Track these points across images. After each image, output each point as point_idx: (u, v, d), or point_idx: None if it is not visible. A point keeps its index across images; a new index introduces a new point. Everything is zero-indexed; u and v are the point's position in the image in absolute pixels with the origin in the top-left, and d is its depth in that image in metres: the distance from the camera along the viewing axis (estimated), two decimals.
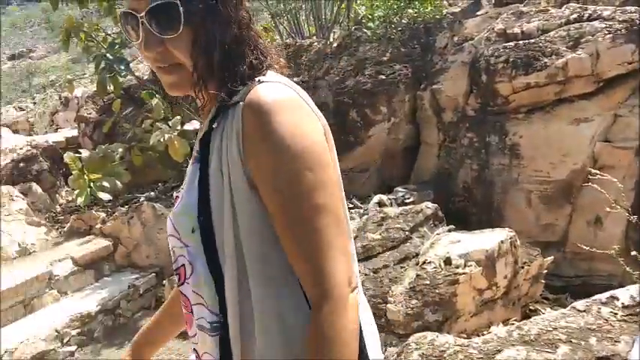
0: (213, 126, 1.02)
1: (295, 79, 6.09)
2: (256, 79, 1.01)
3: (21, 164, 6.62)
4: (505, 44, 4.59)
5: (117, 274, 4.49)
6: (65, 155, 4.97)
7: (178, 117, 4.85)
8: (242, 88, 0.99)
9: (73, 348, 3.83)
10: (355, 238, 3.82)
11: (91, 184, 4.90)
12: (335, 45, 6.06)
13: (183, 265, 1.05)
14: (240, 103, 0.97)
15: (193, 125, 4.90)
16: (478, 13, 5.42)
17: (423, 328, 3.13)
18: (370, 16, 5.70)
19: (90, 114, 7.67)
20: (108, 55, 5.32)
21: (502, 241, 3.42)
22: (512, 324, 3.10)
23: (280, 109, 0.95)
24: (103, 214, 4.99)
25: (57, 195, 6.57)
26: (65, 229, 5.16)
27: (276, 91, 0.98)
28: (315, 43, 6.34)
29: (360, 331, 0.99)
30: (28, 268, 4.25)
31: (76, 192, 4.76)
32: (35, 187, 6.27)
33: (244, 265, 0.98)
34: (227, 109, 0.99)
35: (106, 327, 4.05)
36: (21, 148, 7.51)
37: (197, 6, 0.98)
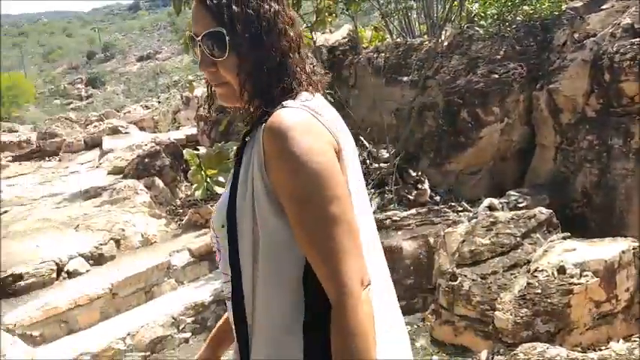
0: (246, 140, 1.18)
1: (404, 78, 6.06)
2: (283, 102, 1.13)
3: (146, 160, 7.12)
4: (632, 40, 4.28)
5: None
6: (185, 152, 5.28)
7: None
8: (269, 109, 1.13)
9: (187, 335, 4.06)
10: (463, 242, 3.74)
11: (208, 179, 5.18)
12: (446, 44, 5.94)
13: (216, 252, 1.23)
14: (263, 125, 1.11)
15: None
16: (602, 7, 5.08)
17: (532, 338, 3.01)
18: (483, 14, 5.53)
19: (208, 113, 8.08)
20: None
21: (624, 252, 3.20)
22: (635, 341, 2.90)
23: (295, 133, 1.07)
24: None
25: (177, 189, 6.99)
26: (183, 221, 5.48)
27: (293, 116, 1.10)
28: (426, 42, 6.25)
29: None
30: (150, 257, 4.56)
31: (194, 186, 5.04)
32: (158, 181, 6.71)
33: (257, 264, 1.14)
34: (258, 127, 1.13)
35: (218, 316, 4.21)
36: (146, 145, 8.09)
37: (242, 35, 1.12)
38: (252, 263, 1.14)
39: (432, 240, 3.97)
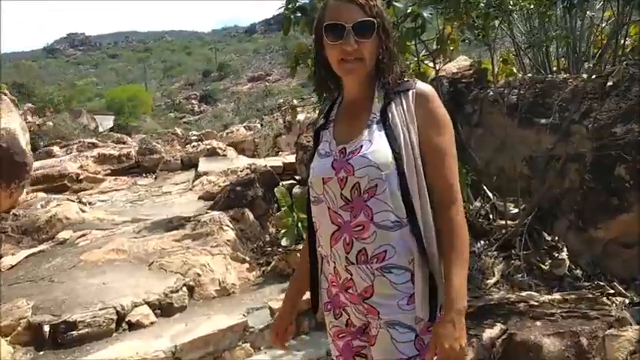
0: (390, 102, 1.70)
1: (542, 120, 5.08)
2: (412, 78, 1.76)
3: (238, 188, 6.58)
4: None
5: (317, 333, 3.88)
6: (276, 190, 4.63)
7: None
8: (402, 82, 1.72)
9: None
10: (633, 354, 2.74)
11: (299, 224, 4.46)
12: (598, 83, 4.90)
13: (377, 185, 1.63)
14: (412, 90, 1.70)
15: None
16: None
17: None
18: None
19: (309, 142, 7.48)
20: None
21: None
22: None
23: (435, 96, 1.71)
24: None
25: (268, 223, 6.37)
26: (269, 268, 4.78)
27: (429, 86, 1.74)
28: (571, 80, 5.23)
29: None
30: (225, 311, 3.88)
31: (281, 232, 4.34)
32: (248, 213, 6.13)
33: (419, 184, 1.66)
34: (397, 93, 1.70)
35: None
36: (242, 171, 7.60)
37: (383, 26, 1.68)
38: (418, 185, 1.65)
39: (584, 341, 2.97)
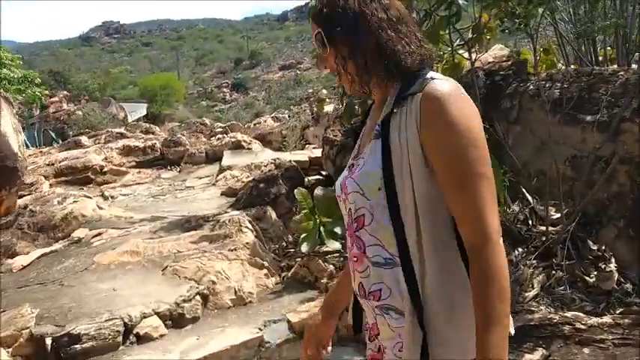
0: (394, 110, 1.33)
1: (588, 117, 4.67)
2: (428, 75, 1.33)
3: (261, 185, 6.35)
4: None
5: (339, 348, 3.58)
6: (295, 191, 4.34)
7: None
8: (416, 82, 1.32)
9: None
10: None
11: (321, 228, 4.16)
12: None
13: (364, 215, 1.36)
14: (419, 94, 1.30)
15: None
16: None
17: None
18: None
19: (336, 136, 7.15)
20: None
21: None
22: None
23: (450, 99, 1.27)
24: (331, 267, 4.19)
25: (291, 222, 6.12)
26: (289, 274, 4.50)
27: (445, 85, 1.30)
28: (622, 73, 4.79)
29: None
30: (240, 323, 3.61)
31: (301, 236, 4.05)
32: (270, 212, 5.87)
33: (419, 217, 1.30)
34: (405, 99, 1.32)
35: None
36: (265, 166, 7.34)
37: (335, 29, 1.37)
38: (415, 218, 1.30)
39: None
